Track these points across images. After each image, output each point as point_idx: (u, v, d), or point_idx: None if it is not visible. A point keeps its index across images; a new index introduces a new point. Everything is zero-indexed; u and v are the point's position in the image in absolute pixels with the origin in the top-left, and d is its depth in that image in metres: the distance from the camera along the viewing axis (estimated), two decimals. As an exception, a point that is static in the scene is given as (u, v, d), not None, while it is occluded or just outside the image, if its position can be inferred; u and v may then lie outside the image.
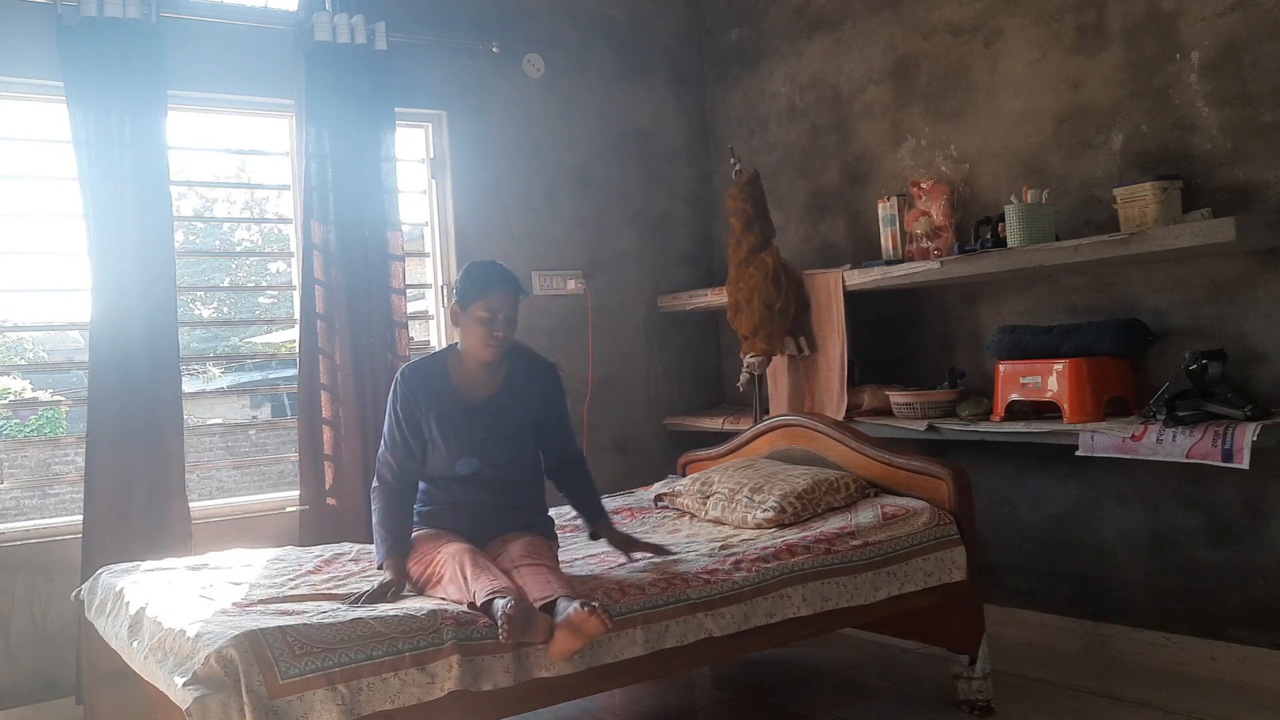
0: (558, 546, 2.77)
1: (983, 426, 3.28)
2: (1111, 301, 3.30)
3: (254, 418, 12.30)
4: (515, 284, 2.70)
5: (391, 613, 2.15)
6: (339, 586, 2.55)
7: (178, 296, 3.49)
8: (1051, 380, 3.12)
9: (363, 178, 3.76)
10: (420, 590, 2.48)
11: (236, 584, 2.55)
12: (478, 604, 2.20)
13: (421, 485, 2.77)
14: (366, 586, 2.44)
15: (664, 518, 3.33)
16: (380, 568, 2.57)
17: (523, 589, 2.30)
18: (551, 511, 2.87)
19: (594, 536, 2.87)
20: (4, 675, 3.24)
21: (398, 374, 2.75)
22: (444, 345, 4.14)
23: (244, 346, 11.69)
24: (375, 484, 2.70)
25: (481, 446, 2.70)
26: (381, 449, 2.72)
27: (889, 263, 3.70)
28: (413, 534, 2.66)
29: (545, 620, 2.17)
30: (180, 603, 2.30)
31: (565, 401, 2.92)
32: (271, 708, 1.88)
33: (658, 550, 2.73)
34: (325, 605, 2.30)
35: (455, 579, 2.33)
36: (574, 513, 2.96)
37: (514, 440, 2.74)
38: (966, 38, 3.68)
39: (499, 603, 2.15)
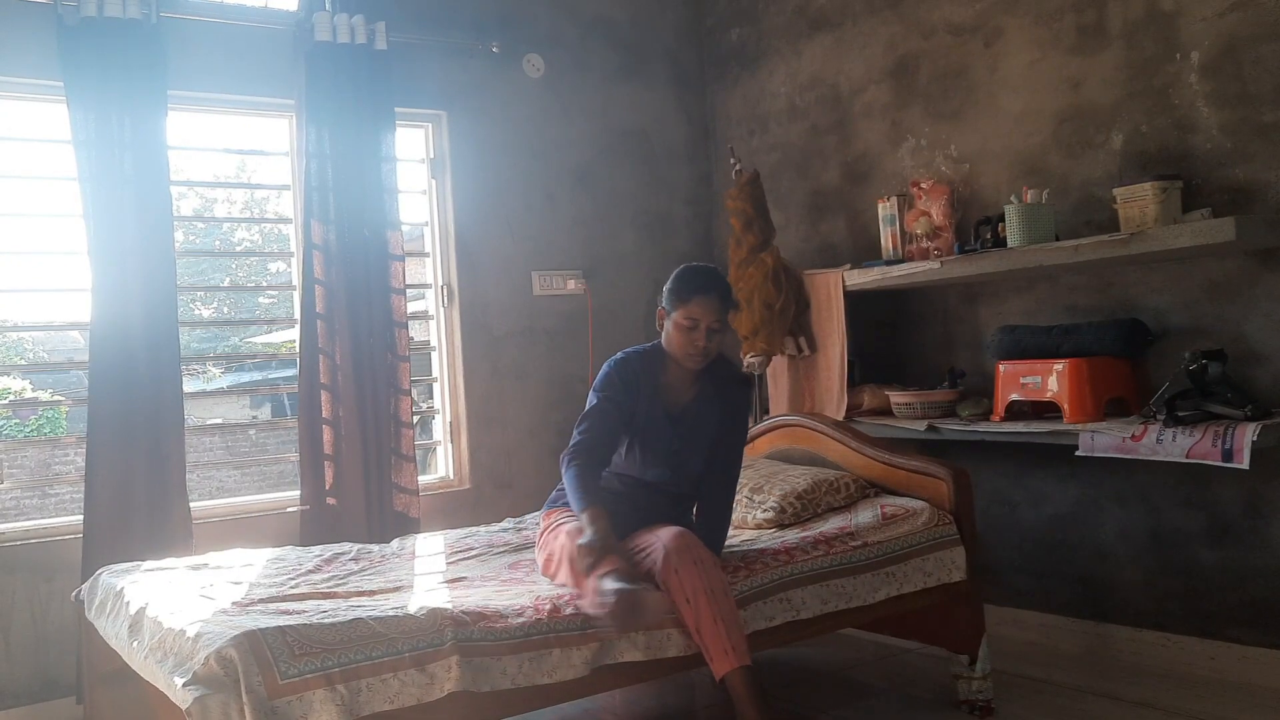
0: None
1: (983, 426, 3.28)
2: (1111, 301, 3.30)
3: (254, 418, 12.31)
4: (723, 292, 2.61)
5: (391, 613, 2.15)
6: (339, 586, 2.56)
7: (178, 296, 3.49)
8: (1051, 380, 3.12)
9: (363, 178, 3.76)
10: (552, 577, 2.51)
11: (236, 584, 2.56)
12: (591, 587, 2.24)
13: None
14: (586, 537, 2.34)
15: (664, 518, 3.32)
16: (583, 524, 2.41)
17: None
18: None
19: None
20: (4, 675, 3.24)
21: (611, 360, 2.68)
22: (434, 342, 4.16)
23: (244, 346, 11.70)
24: (568, 453, 2.56)
25: (676, 457, 2.66)
26: (578, 423, 2.61)
27: (889, 263, 3.70)
28: (551, 516, 2.66)
29: (655, 601, 2.27)
30: (180, 603, 2.30)
31: (747, 422, 2.83)
32: (271, 708, 1.88)
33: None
34: (325, 605, 2.30)
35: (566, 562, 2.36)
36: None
37: (703, 453, 2.70)
38: (966, 38, 3.68)
39: (608, 584, 2.19)
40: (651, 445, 2.66)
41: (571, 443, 2.61)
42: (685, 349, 2.60)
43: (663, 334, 2.68)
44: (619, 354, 2.71)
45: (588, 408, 2.65)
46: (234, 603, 2.32)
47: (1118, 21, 3.23)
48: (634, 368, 2.66)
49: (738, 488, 3.11)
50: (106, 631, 2.52)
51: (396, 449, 3.78)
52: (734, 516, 3.06)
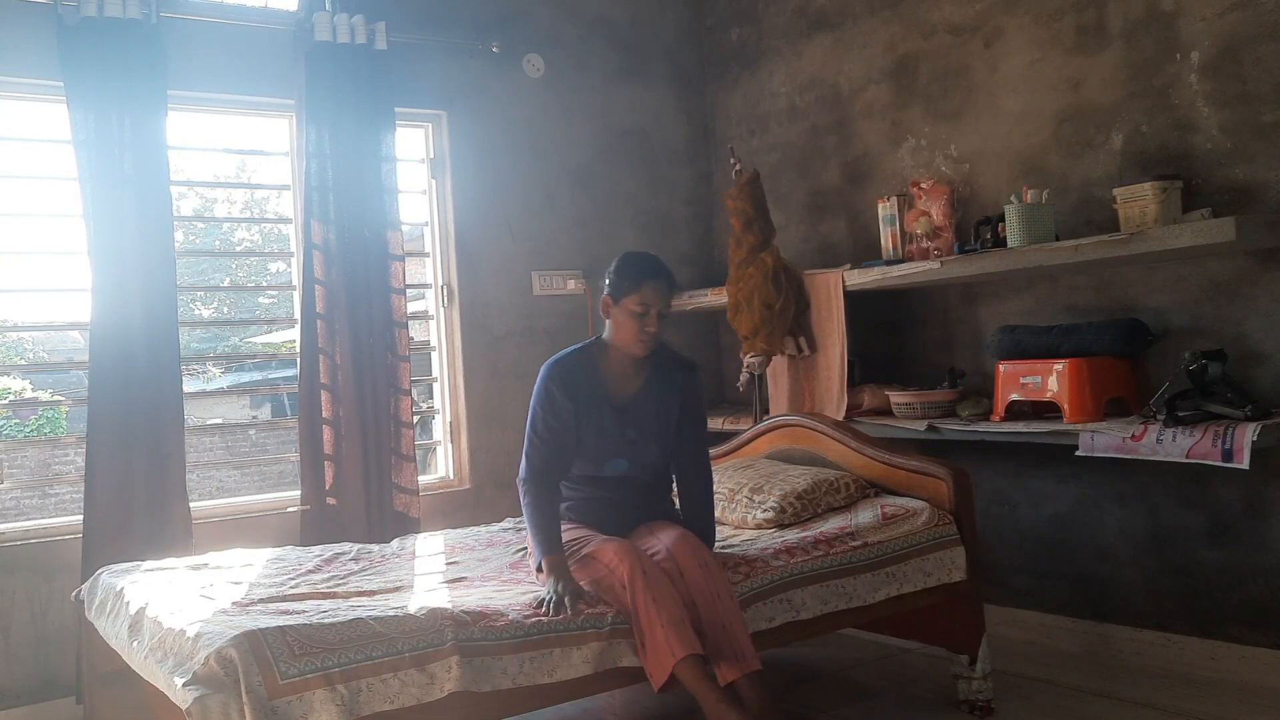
0: None
1: (983, 426, 3.28)
2: (1111, 301, 3.30)
3: (254, 418, 12.32)
4: (670, 276, 2.63)
5: (391, 613, 2.15)
6: (339, 586, 2.56)
7: (178, 296, 3.49)
8: (1051, 380, 3.12)
9: (363, 178, 3.76)
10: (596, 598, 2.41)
11: (236, 584, 2.56)
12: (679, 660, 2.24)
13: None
14: (543, 593, 2.32)
15: (664, 518, 3.32)
16: (539, 569, 2.46)
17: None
18: None
19: None
20: (4, 675, 3.24)
21: (546, 368, 2.65)
22: (434, 342, 4.16)
23: (244, 346, 11.70)
24: (524, 481, 2.59)
25: (631, 448, 2.66)
26: (528, 445, 2.62)
27: (889, 263, 3.70)
28: (561, 530, 2.60)
29: None
30: (180, 603, 2.30)
31: (703, 405, 2.83)
32: (271, 708, 1.88)
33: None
34: (325, 605, 2.30)
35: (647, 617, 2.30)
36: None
37: (660, 441, 2.69)
38: (966, 38, 3.68)
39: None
40: (603, 440, 2.65)
41: (524, 471, 2.61)
42: (636, 335, 2.60)
43: (608, 323, 2.67)
44: (552, 361, 2.68)
45: (532, 429, 2.63)
46: (234, 603, 2.32)
47: (1118, 21, 3.23)
48: (570, 371, 2.65)
49: (738, 487, 3.13)
50: (106, 631, 2.52)
51: (396, 449, 3.78)
52: (734, 516, 3.07)
